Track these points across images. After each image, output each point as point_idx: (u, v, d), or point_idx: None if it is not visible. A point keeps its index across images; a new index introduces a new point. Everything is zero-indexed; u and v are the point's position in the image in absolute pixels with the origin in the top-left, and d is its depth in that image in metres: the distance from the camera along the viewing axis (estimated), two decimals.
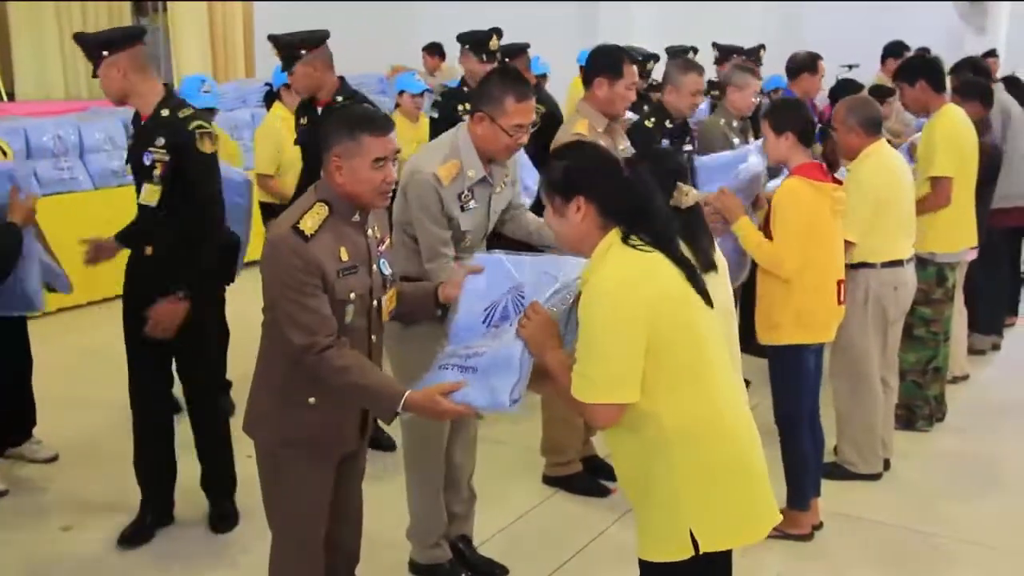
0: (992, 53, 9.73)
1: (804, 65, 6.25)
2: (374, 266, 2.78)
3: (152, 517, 4.03)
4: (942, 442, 5.08)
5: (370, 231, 2.79)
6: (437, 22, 11.92)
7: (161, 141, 3.69)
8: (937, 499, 4.44)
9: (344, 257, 2.67)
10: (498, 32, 5.77)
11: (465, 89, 5.63)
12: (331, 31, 4.67)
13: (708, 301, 2.38)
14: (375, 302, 2.80)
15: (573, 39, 6.82)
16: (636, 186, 2.42)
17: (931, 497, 4.46)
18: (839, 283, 3.89)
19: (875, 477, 4.56)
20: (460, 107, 5.42)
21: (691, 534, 2.33)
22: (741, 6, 12.34)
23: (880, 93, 5.75)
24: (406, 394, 2.63)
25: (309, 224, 2.62)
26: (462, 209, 3.32)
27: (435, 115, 5.62)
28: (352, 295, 2.69)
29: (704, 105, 6.70)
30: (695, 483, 2.35)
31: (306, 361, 2.62)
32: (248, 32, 11.86)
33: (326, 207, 2.67)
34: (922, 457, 4.87)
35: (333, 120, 2.79)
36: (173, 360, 4.02)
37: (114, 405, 5.24)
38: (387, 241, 2.90)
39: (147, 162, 3.71)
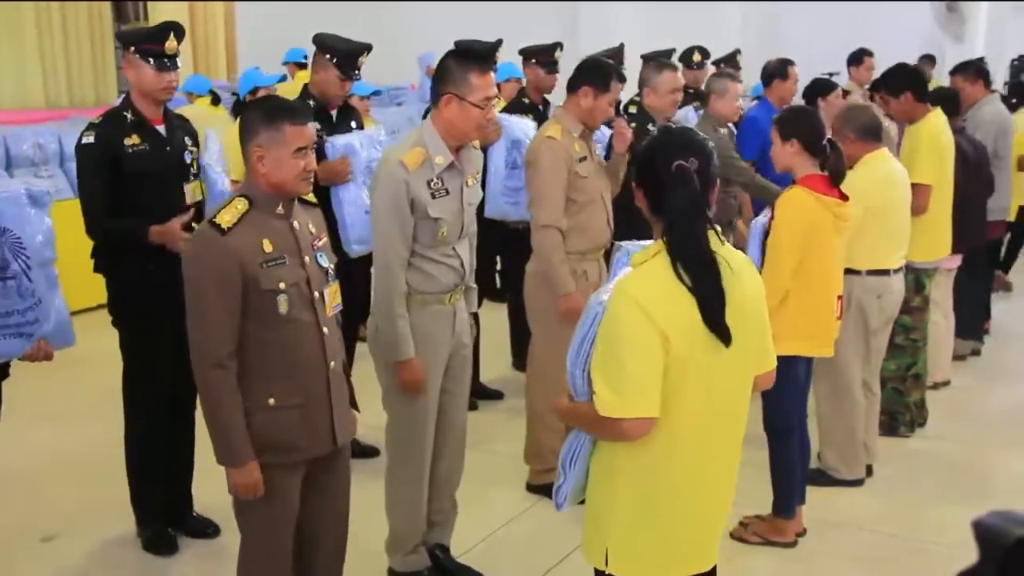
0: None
1: (775, 71, 6.26)
2: (307, 258, 2.81)
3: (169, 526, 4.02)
4: (924, 447, 5.10)
5: (297, 223, 2.82)
6: (419, 22, 11.95)
7: None
8: (920, 505, 4.46)
9: (268, 248, 2.72)
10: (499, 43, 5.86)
11: (526, 100, 5.80)
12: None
13: (724, 339, 2.18)
14: (316, 294, 2.82)
15: (555, 31, 6.81)
16: (680, 191, 2.20)
17: (914, 503, 4.48)
18: (838, 298, 3.87)
19: (858, 483, 4.58)
20: (527, 117, 5.57)
21: (606, 552, 2.30)
22: (720, 10, 12.41)
23: (816, 92, 5.87)
24: (248, 463, 2.70)
25: (226, 218, 2.70)
26: (432, 196, 3.31)
27: None
28: (282, 285, 2.72)
29: (691, 114, 6.73)
30: (629, 509, 2.28)
31: (195, 368, 2.71)
32: (230, 37, 11.83)
33: (245, 201, 2.74)
34: (905, 463, 4.89)
35: (252, 112, 2.82)
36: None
37: (95, 415, 5.22)
38: (324, 238, 2.94)
39: None
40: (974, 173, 5.60)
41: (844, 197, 3.79)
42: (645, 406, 2.15)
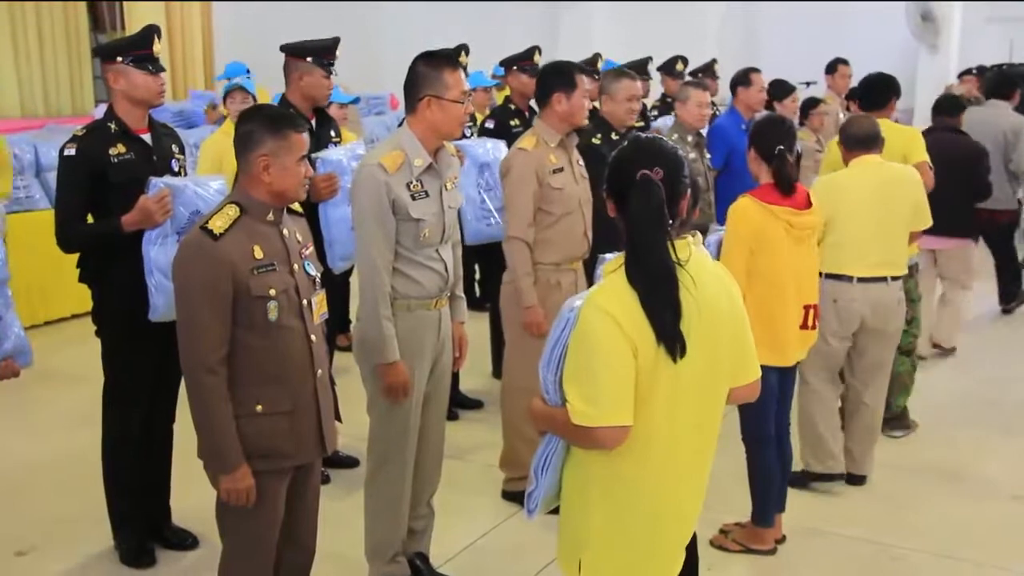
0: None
1: (739, 80, 6.32)
2: (295, 265, 2.84)
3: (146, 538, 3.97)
4: (905, 453, 5.12)
5: (286, 231, 2.86)
6: (399, 30, 11.96)
7: None
8: (901, 511, 4.48)
9: (258, 255, 2.75)
10: (466, 48, 5.91)
11: (512, 107, 6.02)
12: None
13: (676, 354, 2.17)
14: (304, 302, 2.84)
15: (535, 41, 6.80)
16: (641, 199, 2.20)
17: (894, 509, 4.49)
18: (808, 308, 3.83)
19: (828, 478, 4.59)
20: (512, 122, 5.79)
21: (579, 561, 2.33)
22: (699, 20, 12.49)
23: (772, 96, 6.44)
24: (240, 467, 2.71)
25: (218, 224, 2.72)
26: (412, 198, 3.33)
27: (490, 126, 5.93)
28: (272, 291, 2.75)
29: (671, 123, 6.75)
30: (603, 518, 2.30)
31: (187, 373, 2.71)
32: (208, 49, 11.80)
33: (237, 207, 2.77)
34: (885, 469, 4.91)
35: (253, 122, 2.82)
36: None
37: (70, 425, 5.18)
38: (310, 247, 2.98)
39: None
40: (958, 171, 5.81)
41: (807, 205, 3.80)
42: (617, 415, 2.16)
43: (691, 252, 2.24)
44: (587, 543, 2.32)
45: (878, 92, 5.30)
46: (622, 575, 2.33)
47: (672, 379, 2.20)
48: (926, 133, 5.69)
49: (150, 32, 3.74)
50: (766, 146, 3.81)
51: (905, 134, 5.27)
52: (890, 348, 4.64)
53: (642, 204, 2.20)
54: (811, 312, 3.87)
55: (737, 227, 3.75)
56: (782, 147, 3.78)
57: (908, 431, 5.35)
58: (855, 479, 4.69)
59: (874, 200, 4.38)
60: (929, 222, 4.60)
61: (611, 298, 2.19)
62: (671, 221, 2.23)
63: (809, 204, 3.81)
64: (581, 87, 4.18)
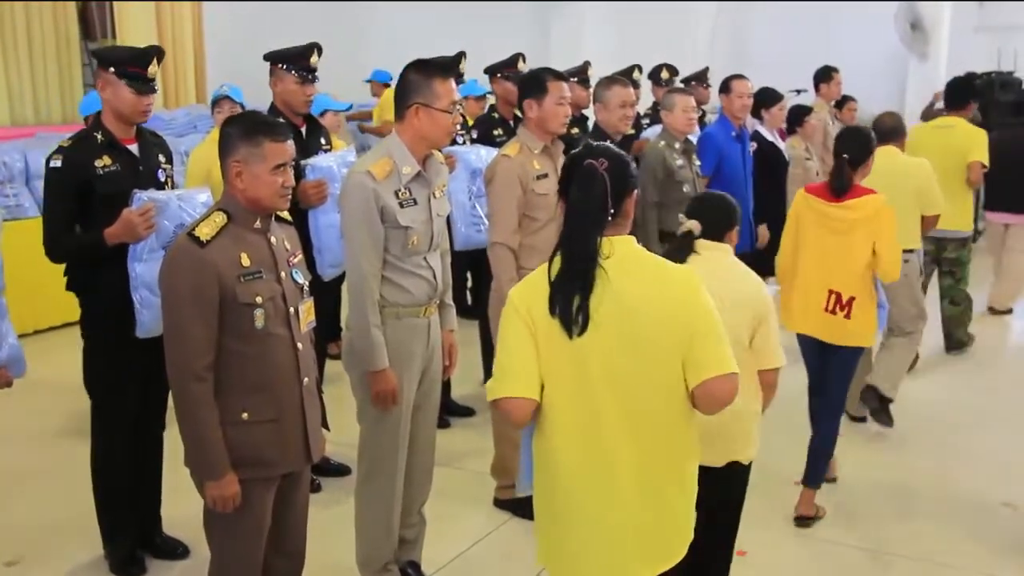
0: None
1: (720, 88, 6.32)
2: (283, 273, 2.84)
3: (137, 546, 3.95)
4: (891, 458, 5.14)
5: (274, 238, 2.86)
6: (391, 38, 11.95)
7: None
8: (891, 516, 4.49)
9: (245, 262, 2.75)
10: (464, 55, 5.94)
11: (496, 115, 6.01)
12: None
13: (572, 329, 2.26)
14: (291, 310, 2.84)
15: (525, 46, 6.80)
16: (580, 187, 2.30)
17: (885, 514, 4.51)
18: (832, 293, 4.16)
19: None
20: (495, 131, 5.81)
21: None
22: (690, 28, 12.52)
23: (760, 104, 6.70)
24: (227, 474, 2.72)
25: (205, 231, 2.72)
26: (400, 206, 3.34)
27: (473, 135, 5.96)
28: (259, 299, 2.75)
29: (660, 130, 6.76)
30: (538, 497, 2.44)
31: (173, 379, 2.71)
32: (199, 58, 11.75)
33: (224, 215, 2.78)
34: (876, 471, 4.93)
35: (232, 127, 2.83)
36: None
37: (58, 434, 5.17)
38: (299, 255, 2.98)
39: None
40: (1003, 159, 6.78)
41: (840, 198, 4.18)
42: (516, 387, 2.28)
43: (614, 251, 2.29)
44: (535, 521, 2.49)
45: (959, 94, 6.14)
46: (552, 559, 2.48)
47: (578, 361, 2.27)
48: (999, 127, 7.13)
49: (149, 52, 3.70)
50: (835, 150, 4.34)
51: (972, 134, 6.13)
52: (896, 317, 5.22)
53: (583, 190, 2.29)
54: (833, 298, 4.17)
55: (788, 216, 4.47)
56: (846, 155, 4.25)
57: (965, 347, 6.73)
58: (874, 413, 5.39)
59: (877, 176, 4.65)
60: (938, 209, 5.32)
61: (522, 284, 2.39)
62: (612, 212, 2.30)
63: (842, 197, 4.18)
64: (554, 92, 4.13)
